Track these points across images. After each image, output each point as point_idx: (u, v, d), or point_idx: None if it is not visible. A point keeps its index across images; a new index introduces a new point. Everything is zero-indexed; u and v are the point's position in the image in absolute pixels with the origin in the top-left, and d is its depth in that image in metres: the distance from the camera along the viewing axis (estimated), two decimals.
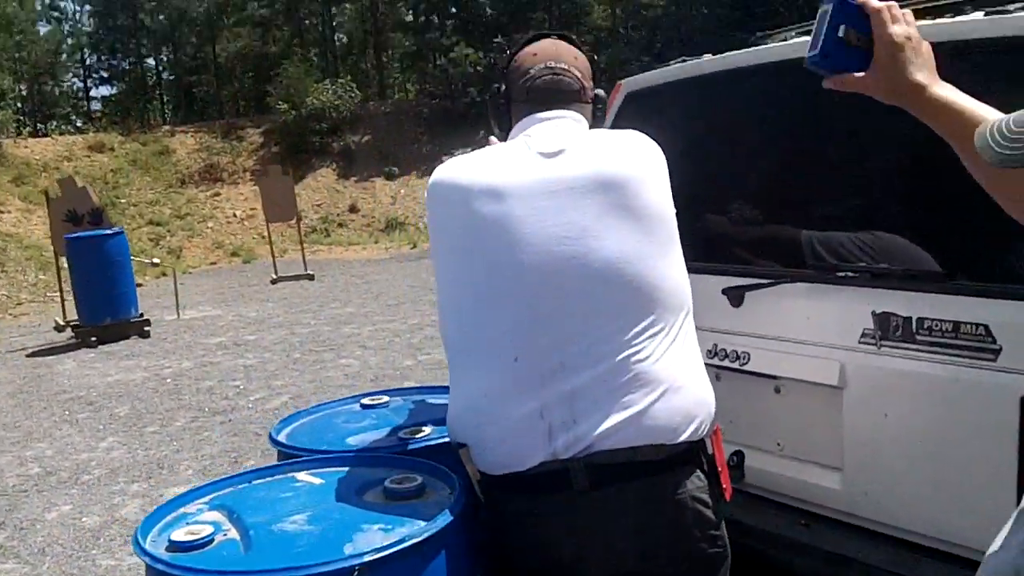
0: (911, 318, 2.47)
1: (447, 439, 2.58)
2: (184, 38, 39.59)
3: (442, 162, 2.35)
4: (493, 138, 2.65)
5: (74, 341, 12.25)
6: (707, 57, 3.36)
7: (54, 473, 6.75)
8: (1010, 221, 1.46)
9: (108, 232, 12.66)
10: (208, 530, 2.19)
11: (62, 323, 13.02)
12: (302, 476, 2.52)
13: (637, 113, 3.47)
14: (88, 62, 41.85)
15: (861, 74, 1.59)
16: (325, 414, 3.15)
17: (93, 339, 12.05)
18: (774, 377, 2.85)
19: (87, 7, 40.73)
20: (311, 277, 16.67)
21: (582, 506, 2.15)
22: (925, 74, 1.53)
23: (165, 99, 42.09)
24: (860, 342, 2.59)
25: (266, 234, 22.90)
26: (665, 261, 2.20)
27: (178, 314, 13.74)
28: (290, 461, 2.62)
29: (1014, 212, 1.44)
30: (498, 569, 2.25)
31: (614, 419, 2.10)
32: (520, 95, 2.38)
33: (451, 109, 29.49)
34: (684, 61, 3.48)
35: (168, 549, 2.15)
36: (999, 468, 2.31)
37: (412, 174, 26.68)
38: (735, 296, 2.87)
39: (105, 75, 42.26)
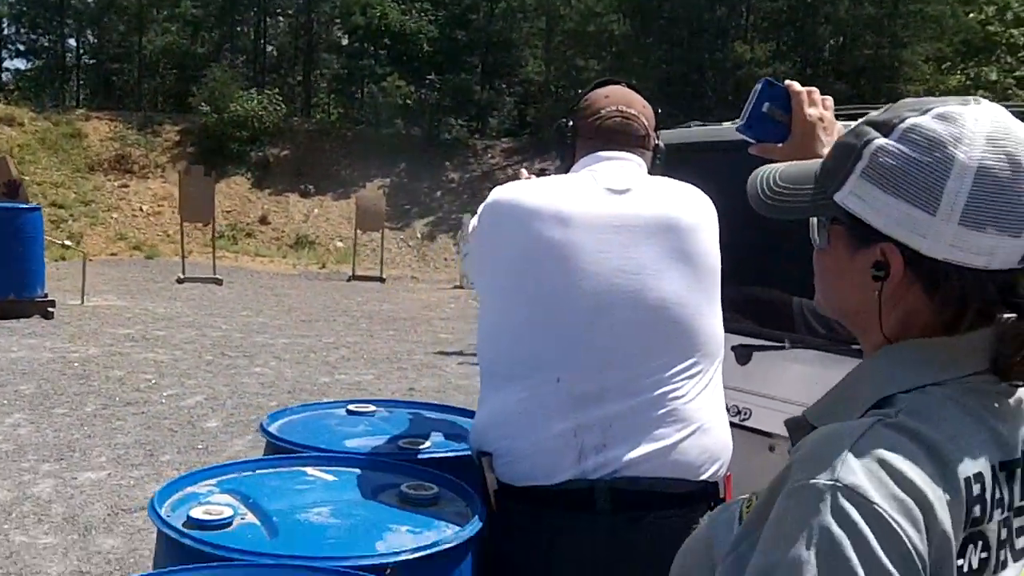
0: None
1: (458, 453, 2.62)
2: (112, 24, 38.72)
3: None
4: (524, 171, 2.72)
5: None
6: (695, 124, 3.48)
7: None
8: None
9: (24, 207, 12.29)
10: (227, 511, 2.18)
11: None
12: (312, 471, 2.51)
13: None
14: (5, 32, 40.57)
15: (780, 144, 1.80)
16: (313, 414, 3.14)
17: None
18: (770, 435, 2.94)
19: None
20: (219, 282, 16.39)
21: (599, 527, 2.21)
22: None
23: (82, 82, 41.03)
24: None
25: (170, 232, 22.47)
26: (710, 309, 2.30)
27: (82, 300, 13.36)
28: (294, 456, 2.61)
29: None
30: None
31: (644, 448, 2.19)
32: (588, 132, 2.45)
33: (375, 137, 29.41)
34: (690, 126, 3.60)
35: (187, 525, 2.13)
36: None
37: (328, 195, 26.48)
38: (743, 354, 2.97)
39: (22, 48, 41.04)
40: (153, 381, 8.50)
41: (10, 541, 4.89)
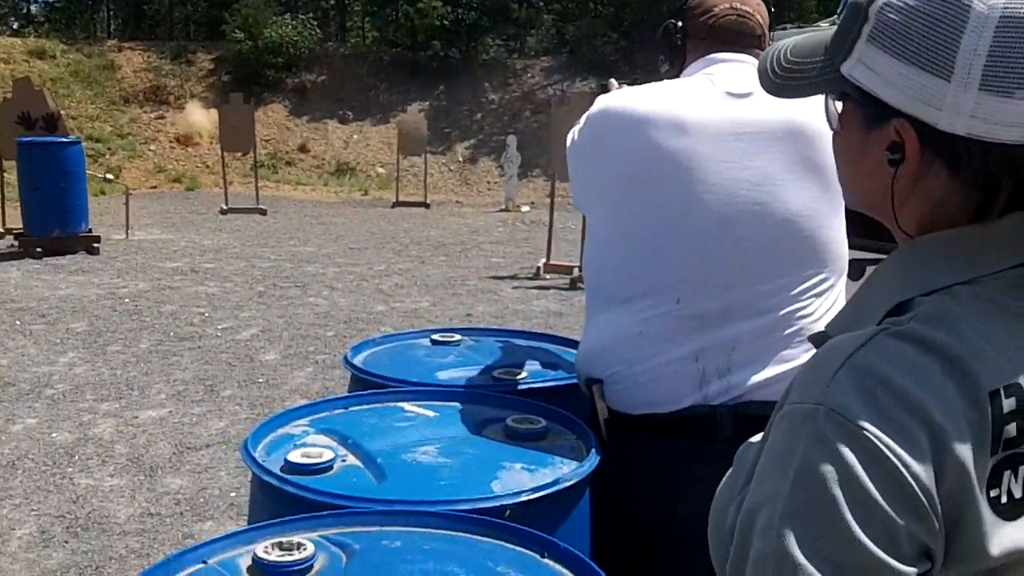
0: None
1: (561, 382, 2.47)
2: None
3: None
4: (613, 81, 2.52)
5: (16, 250, 11.77)
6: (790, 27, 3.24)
7: (13, 384, 6.45)
8: None
9: (64, 140, 12.18)
10: (327, 454, 2.04)
11: (1, 230, 12.52)
12: (410, 407, 2.36)
13: None
14: None
15: None
16: (397, 345, 3.00)
17: (38, 250, 11.59)
18: None
19: None
20: (263, 212, 16.30)
21: (723, 455, 2.06)
22: None
23: (112, 12, 40.74)
24: None
25: (209, 163, 22.40)
26: (837, 221, 2.15)
27: (126, 234, 13.31)
28: (387, 391, 2.46)
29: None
30: (612, 514, 2.13)
31: (771, 371, 2.06)
32: (700, 32, 2.24)
33: (412, 60, 29.03)
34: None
35: (285, 470, 1.98)
36: None
37: (367, 120, 26.24)
38: (857, 269, 2.78)
39: None
40: (206, 315, 8.42)
41: (75, 484, 4.82)
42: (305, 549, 1.63)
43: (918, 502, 0.88)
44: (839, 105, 1.08)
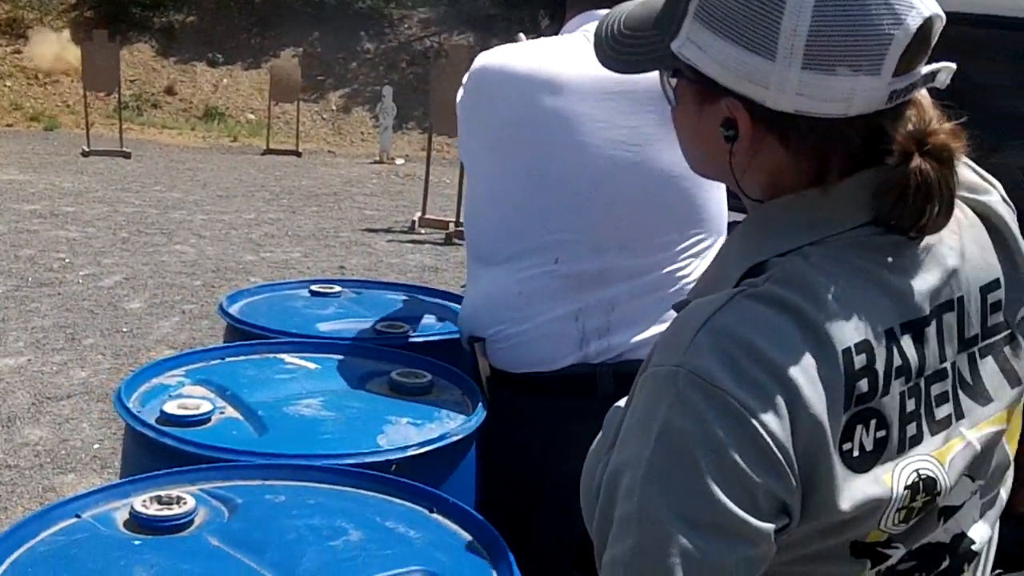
0: None
1: (445, 337, 2.45)
2: None
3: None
4: (522, 35, 2.49)
5: None
6: None
7: None
8: None
9: None
10: (204, 405, 1.99)
11: None
12: (291, 359, 2.32)
13: None
14: None
15: None
16: (274, 295, 2.94)
17: None
18: None
19: None
20: (127, 155, 15.70)
21: (602, 412, 2.09)
22: None
23: None
24: None
25: (71, 103, 21.50)
26: (715, 182, 2.15)
27: None
28: (267, 342, 2.40)
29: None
30: (496, 472, 2.13)
31: (651, 331, 2.06)
32: None
33: (286, 4, 28.26)
34: None
35: (161, 422, 1.92)
36: None
37: (237, 64, 25.47)
38: None
39: None
40: (67, 260, 8.08)
41: None
42: (185, 503, 1.58)
43: (775, 460, 0.91)
44: (674, 81, 1.09)
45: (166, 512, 1.56)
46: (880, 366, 0.97)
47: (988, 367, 1.07)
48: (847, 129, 0.99)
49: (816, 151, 1.01)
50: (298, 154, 17.58)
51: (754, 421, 0.90)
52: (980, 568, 1.14)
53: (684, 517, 0.90)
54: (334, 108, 23.42)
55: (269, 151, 17.78)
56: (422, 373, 2.21)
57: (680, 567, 0.89)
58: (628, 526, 0.92)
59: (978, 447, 1.04)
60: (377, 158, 17.31)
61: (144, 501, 1.58)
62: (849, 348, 0.95)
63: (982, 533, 1.09)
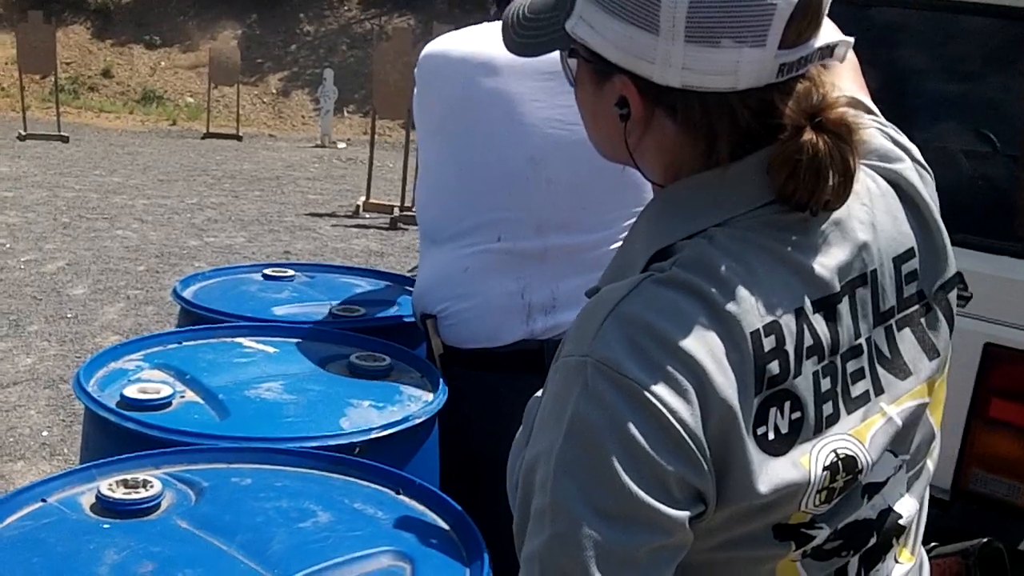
0: None
1: (405, 319, 2.47)
2: None
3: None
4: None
5: None
6: None
7: None
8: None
9: None
10: (165, 389, 1.99)
11: None
12: (249, 343, 2.32)
13: None
14: None
15: None
16: (228, 279, 2.93)
17: None
18: None
19: None
20: (65, 139, 15.41)
21: None
22: None
23: None
24: None
25: (4, 85, 21.12)
26: None
27: None
28: (225, 326, 2.40)
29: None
30: (448, 451, 2.15)
31: None
32: None
33: None
34: None
35: (122, 406, 1.92)
36: (951, 408, 2.42)
37: (175, 47, 25.09)
38: None
39: None
40: (7, 246, 7.94)
41: None
42: (152, 487, 1.59)
43: (686, 447, 0.89)
44: (573, 62, 1.09)
45: (133, 496, 1.56)
46: (791, 347, 0.95)
47: (906, 340, 1.06)
48: (736, 103, 0.97)
49: (705, 126, 0.99)
50: (239, 138, 17.38)
51: (663, 408, 0.89)
52: (911, 541, 1.14)
53: (596, 509, 0.88)
54: (274, 91, 23.17)
55: (209, 135, 17.55)
56: (381, 356, 2.23)
57: (594, 560, 0.88)
58: (542, 520, 0.91)
59: (899, 422, 1.03)
60: (318, 142, 17.18)
61: (110, 485, 1.58)
62: (757, 330, 0.94)
63: (909, 507, 1.09)
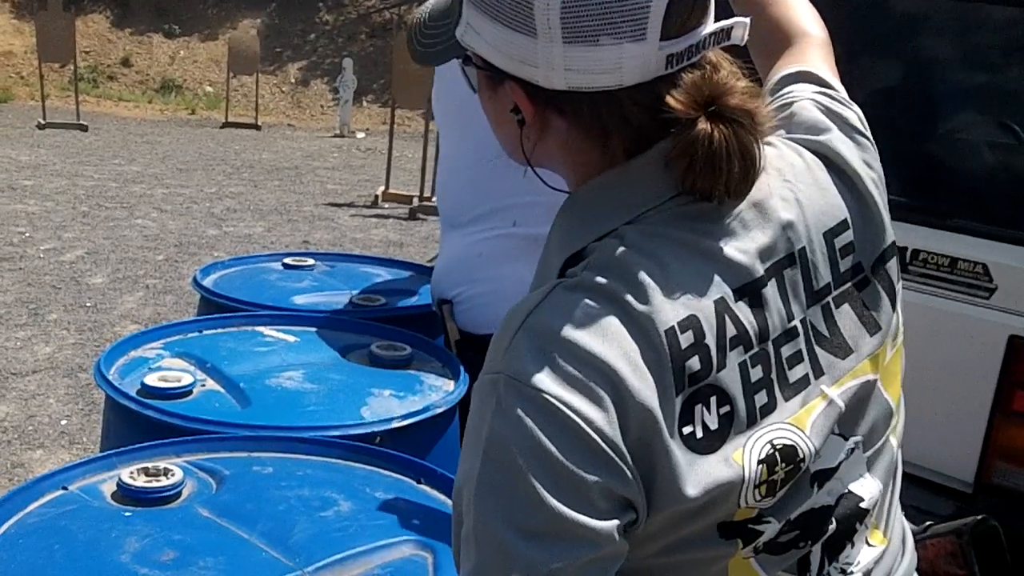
0: (906, 248, 2.53)
1: (426, 308, 2.46)
2: None
3: None
4: None
5: None
6: None
7: None
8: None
9: None
10: (185, 378, 1.99)
11: None
12: (269, 332, 2.32)
13: None
14: None
15: None
16: (247, 268, 2.93)
17: None
18: None
19: None
20: (84, 128, 15.47)
21: None
22: None
23: None
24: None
25: (24, 74, 21.18)
26: None
27: None
28: (244, 315, 2.40)
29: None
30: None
31: None
32: None
33: None
34: None
35: (142, 394, 1.92)
36: (975, 400, 2.41)
37: (194, 36, 25.15)
38: None
39: None
40: (27, 234, 7.97)
41: None
42: (173, 475, 1.59)
43: (605, 456, 0.86)
44: (472, 69, 1.07)
45: (154, 484, 1.56)
46: (711, 340, 0.92)
47: (845, 316, 1.02)
48: (625, 100, 0.95)
49: (596, 127, 0.97)
50: (257, 127, 17.43)
51: (577, 419, 0.86)
52: (883, 523, 1.11)
53: (520, 528, 0.86)
54: (293, 81, 23.20)
55: (228, 124, 17.60)
56: (401, 346, 2.22)
57: None
58: (469, 544, 0.89)
59: (842, 404, 0.99)
60: (337, 131, 17.20)
61: (131, 473, 1.58)
62: (673, 328, 0.90)
63: (871, 489, 1.05)
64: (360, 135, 16.96)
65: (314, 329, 2.32)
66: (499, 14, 0.95)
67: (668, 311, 0.91)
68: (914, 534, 1.24)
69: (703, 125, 0.93)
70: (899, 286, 1.08)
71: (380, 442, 1.82)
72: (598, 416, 0.86)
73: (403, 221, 9.56)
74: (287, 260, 2.94)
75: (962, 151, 2.60)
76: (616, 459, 0.87)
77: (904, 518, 1.20)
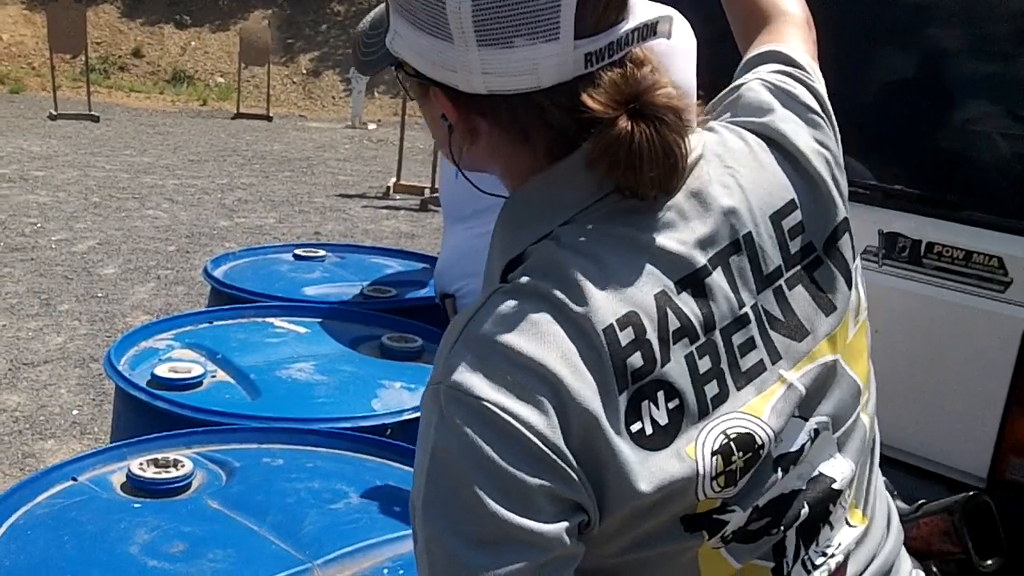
0: (920, 241, 2.50)
1: (436, 300, 2.45)
2: None
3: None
4: None
5: None
6: None
7: None
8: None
9: None
10: (196, 369, 1.98)
11: None
12: (280, 323, 2.31)
13: None
14: None
15: None
16: (258, 259, 2.93)
17: None
18: None
19: None
20: (96, 119, 15.50)
21: None
22: None
23: None
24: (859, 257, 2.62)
25: (36, 65, 21.24)
26: None
27: None
28: (255, 306, 2.40)
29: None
30: None
31: None
32: None
33: None
34: None
35: (152, 385, 1.92)
36: (988, 395, 2.39)
37: (205, 26, 25.17)
38: None
39: None
40: (39, 225, 7.98)
41: None
42: (183, 466, 1.59)
43: (548, 460, 0.86)
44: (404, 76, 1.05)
45: (164, 475, 1.56)
46: (653, 334, 0.91)
47: (799, 298, 1.01)
48: (543, 102, 0.94)
49: (517, 129, 0.97)
50: (269, 118, 17.44)
51: (517, 424, 0.85)
52: (862, 502, 1.09)
53: (467, 538, 0.85)
54: (305, 72, 23.20)
55: (239, 115, 17.61)
56: (412, 338, 2.22)
57: None
58: (422, 558, 0.89)
59: (802, 389, 0.98)
60: (349, 123, 17.19)
61: (141, 464, 1.58)
62: (611, 325, 0.89)
63: (843, 469, 1.04)
64: (372, 126, 16.96)
65: (325, 321, 2.31)
66: (417, 20, 0.95)
67: (606, 309, 0.90)
68: (907, 514, 1.23)
69: (623, 124, 0.91)
70: (856, 263, 1.07)
71: (391, 434, 1.81)
72: (538, 420, 0.86)
73: (415, 212, 9.55)
74: (298, 251, 2.94)
75: (977, 143, 2.58)
76: (559, 462, 0.86)
77: (890, 496, 1.18)
